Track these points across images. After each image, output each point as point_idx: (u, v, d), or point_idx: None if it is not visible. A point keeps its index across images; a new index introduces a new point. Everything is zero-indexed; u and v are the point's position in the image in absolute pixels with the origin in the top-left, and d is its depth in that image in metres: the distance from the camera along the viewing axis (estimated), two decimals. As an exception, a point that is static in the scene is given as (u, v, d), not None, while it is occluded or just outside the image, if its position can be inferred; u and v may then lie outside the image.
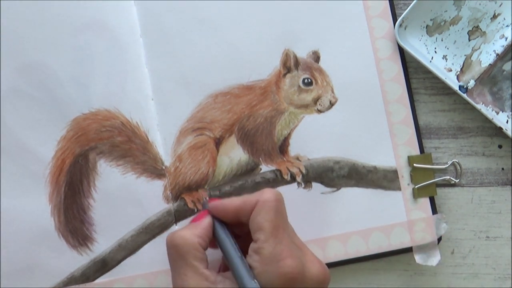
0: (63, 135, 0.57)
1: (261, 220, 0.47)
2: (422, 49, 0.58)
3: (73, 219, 0.56)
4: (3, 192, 0.56)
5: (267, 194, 0.49)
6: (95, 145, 0.57)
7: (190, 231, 0.49)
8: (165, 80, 0.57)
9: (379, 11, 0.58)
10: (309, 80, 0.57)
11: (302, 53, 0.58)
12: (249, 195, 0.50)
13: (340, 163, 0.57)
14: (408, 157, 0.57)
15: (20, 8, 0.56)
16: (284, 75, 0.57)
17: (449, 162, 0.59)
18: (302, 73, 0.57)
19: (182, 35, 0.57)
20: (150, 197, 0.57)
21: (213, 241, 0.50)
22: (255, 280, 0.46)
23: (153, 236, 0.56)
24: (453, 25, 0.58)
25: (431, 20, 0.58)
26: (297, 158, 0.57)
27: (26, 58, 0.57)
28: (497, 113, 0.57)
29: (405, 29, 0.57)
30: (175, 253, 0.48)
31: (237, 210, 0.49)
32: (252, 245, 0.48)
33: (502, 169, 0.59)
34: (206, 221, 0.50)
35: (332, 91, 0.57)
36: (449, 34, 0.58)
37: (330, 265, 0.56)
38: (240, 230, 0.51)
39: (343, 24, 0.58)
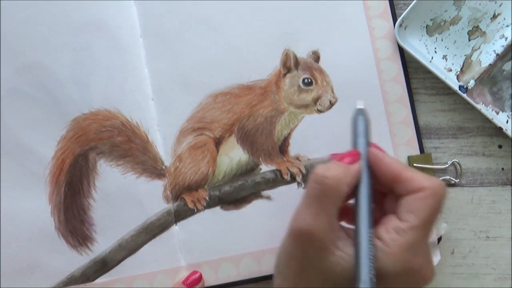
0: (63, 135, 0.57)
1: (424, 206, 0.44)
2: (422, 49, 0.58)
3: (73, 219, 0.56)
4: (3, 192, 0.56)
5: (439, 185, 0.45)
6: (95, 145, 0.57)
7: (344, 177, 0.45)
8: (165, 80, 0.57)
9: (379, 11, 0.58)
10: (309, 80, 0.57)
11: (302, 53, 0.58)
12: (413, 171, 0.46)
13: (340, 163, 0.57)
14: (408, 157, 0.57)
15: (20, 8, 0.57)
16: (284, 75, 0.57)
17: (449, 162, 0.59)
18: (302, 73, 0.57)
19: (182, 35, 0.57)
20: (150, 197, 0.57)
21: (345, 214, 0.47)
22: (373, 274, 0.42)
23: (153, 236, 0.56)
24: (453, 25, 0.58)
25: (431, 20, 0.58)
26: (297, 158, 0.57)
27: (26, 58, 0.57)
28: (497, 113, 0.57)
29: (405, 29, 0.57)
30: (320, 191, 0.44)
31: (397, 176, 0.45)
32: (395, 222, 0.44)
33: (502, 169, 0.59)
34: (357, 169, 0.46)
35: (332, 91, 0.57)
36: (449, 34, 0.58)
37: (330, 265, 0.56)
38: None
39: (343, 24, 0.58)
